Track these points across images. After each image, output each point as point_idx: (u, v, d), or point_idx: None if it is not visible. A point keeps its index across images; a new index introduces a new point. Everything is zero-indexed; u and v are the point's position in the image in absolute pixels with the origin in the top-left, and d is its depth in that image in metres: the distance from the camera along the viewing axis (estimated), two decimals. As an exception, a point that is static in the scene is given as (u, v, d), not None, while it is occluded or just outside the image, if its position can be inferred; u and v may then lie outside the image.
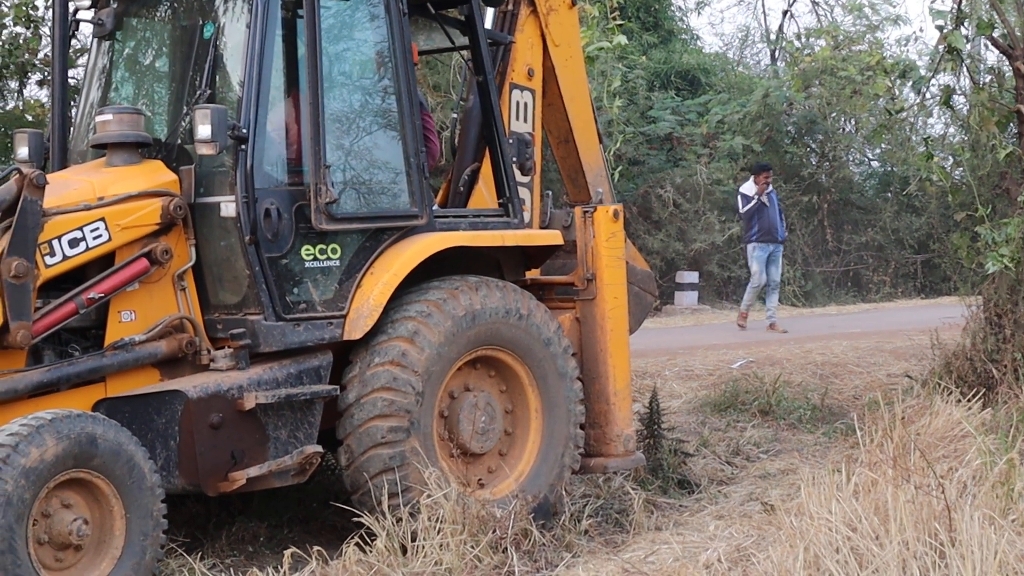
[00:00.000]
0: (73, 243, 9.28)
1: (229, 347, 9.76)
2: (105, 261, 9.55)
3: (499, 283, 10.67)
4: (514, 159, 11.21)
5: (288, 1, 10.06)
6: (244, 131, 9.51)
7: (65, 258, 9.24)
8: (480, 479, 10.56)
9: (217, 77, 10.09)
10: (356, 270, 10.17)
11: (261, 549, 10.19)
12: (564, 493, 10.72)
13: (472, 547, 9.44)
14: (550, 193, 12.21)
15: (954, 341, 14.66)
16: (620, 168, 23.57)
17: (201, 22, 10.39)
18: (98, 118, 10.08)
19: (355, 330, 10.03)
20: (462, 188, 11.51)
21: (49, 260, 9.16)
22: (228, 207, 9.65)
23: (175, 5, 10.81)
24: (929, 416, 11.46)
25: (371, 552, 9.29)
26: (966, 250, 14.39)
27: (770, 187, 23.68)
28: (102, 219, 9.43)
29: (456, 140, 12.06)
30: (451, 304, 10.19)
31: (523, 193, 11.72)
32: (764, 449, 13.78)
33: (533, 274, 11.62)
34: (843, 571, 7.76)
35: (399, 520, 9.61)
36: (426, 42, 12.11)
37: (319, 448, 9.86)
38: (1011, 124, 14.13)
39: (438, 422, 10.34)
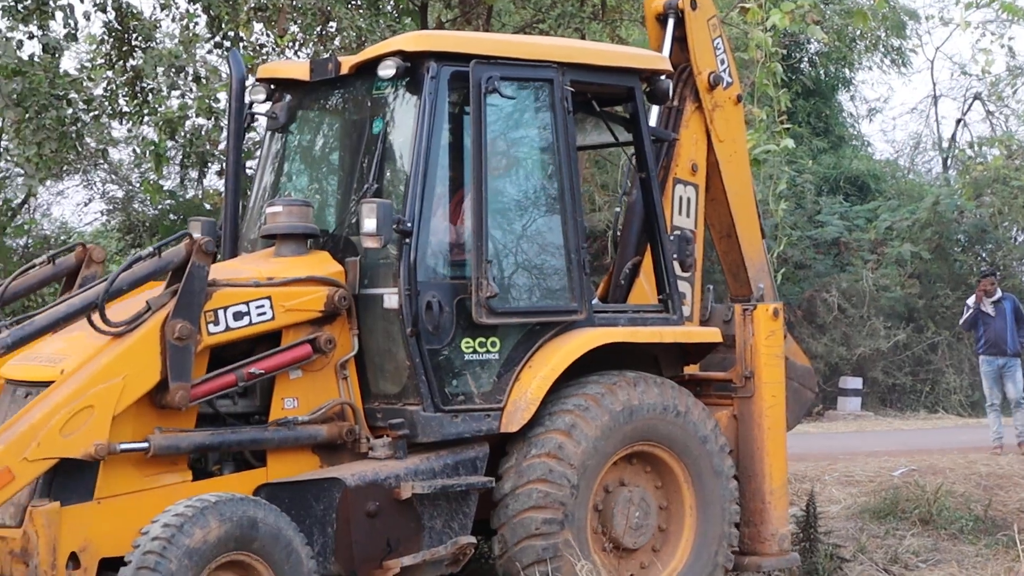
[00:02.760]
0: (238, 316, 9.40)
1: (388, 436, 9.80)
2: (267, 341, 9.68)
3: (657, 379, 10.59)
4: (675, 255, 11.14)
5: (455, 99, 10.18)
6: (408, 225, 9.58)
7: (228, 329, 9.37)
8: (632, 574, 10.47)
9: (384, 171, 10.17)
10: (515, 363, 10.16)
11: None
12: None
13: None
14: (711, 288, 12.27)
15: None
16: (784, 271, 23.50)
17: (370, 117, 10.48)
18: (268, 209, 10.24)
19: (512, 423, 10.01)
20: (623, 282, 11.48)
21: (212, 328, 9.28)
22: (391, 299, 9.72)
23: (346, 100, 10.88)
24: (1097, 529, 11.27)
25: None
26: None
27: (998, 294, 21.46)
28: (268, 297, 9.54)
29: (619, 234, 12.12)
30: (609, 399, 10.14)
31: (684, 287, 11.68)
32: (923, 559, 13.57)
33: (692, 369, 11.50)
34: None
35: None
36: (590, 138, 12.04)
37: (473, 539, 9.89)
38: None
39: (592, 515, 10.26)
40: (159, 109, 15.25)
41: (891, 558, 13.44)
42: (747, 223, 12.47)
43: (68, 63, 14.69)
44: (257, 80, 11.01)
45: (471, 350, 9.99)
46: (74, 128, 14.34)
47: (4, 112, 16.20)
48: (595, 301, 10.96)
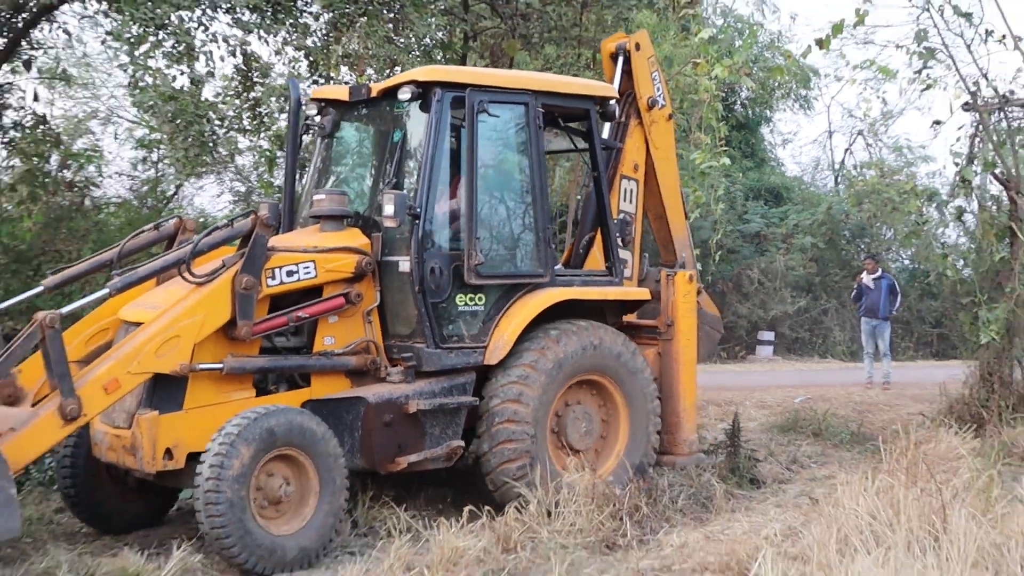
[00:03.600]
0: (290, 273, 9.47)
1: (401, 366, 9.89)
2: (311, 293, 9.68)
3: (601, 327, 10.63)
4: (617, 234, 11.20)
5: (455, 116, 10.14)
6: (418, 210, 9.62)
7: (282, 283, 9.43)
8: (580, 467, 10.32)
9: (401, 169, 10.21)
10: (496, 313, 10.19)
11: (448, 507, 10.21)
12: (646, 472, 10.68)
13: (597, 515, 9.42)
14: (647, 255, 12.23)
15: (956, 391, 14.58)
16: (720, 253, 23.62)
17: (392, 129, 10.57)
18: (314, 196, 10.29)
19: (493, 357, 10.07)
20: (581, 251, 11.45)
21: (270, 282, 9.34)
22: (404, 264, 9.76)
23: (374, 116, 10.90)
24: (935, 443, 11.35)
25: (525, 513, 9.30)
26: (969, 326, 14.43)
27: (878, 272, 21.97)
28: (313, 261, 9.60)
29: (579, 215, 12.15)
30: (563, 342, 10.20)
31: (626, 255, 11.70)
32: (814, 460, 13.54)
33: (630, 318, 11.51)
34: (864, 547, 7.79)
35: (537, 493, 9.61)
36: (557, 145, 12.01)
37: (462, 443, 9.96)
38: (1005, 237, 14.11)
39: (551, 425, 10.27)
40: (272, 127, 15.25)
41: (791, 459, 13.42)
42: (674, 209, 12.48)
43: (207, 92, 14.62)
44: (311, 99, 11.02)
45: (463, 303, 10.03)
46: (211, 139, 14.31)
47: (161, 127, 16.19)
48: (558, 267, 10.99)
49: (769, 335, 31.19)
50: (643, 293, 11.36)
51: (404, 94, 9.85)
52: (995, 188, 14.96)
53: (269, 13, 13.98)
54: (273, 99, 15.30)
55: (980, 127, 14.37)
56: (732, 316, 31.42)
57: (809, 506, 10.18)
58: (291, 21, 14.40)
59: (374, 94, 10.46)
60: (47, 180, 15.50)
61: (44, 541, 9.25)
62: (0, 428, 7.97)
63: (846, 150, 40.33)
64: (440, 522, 8.97)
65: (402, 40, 14.74)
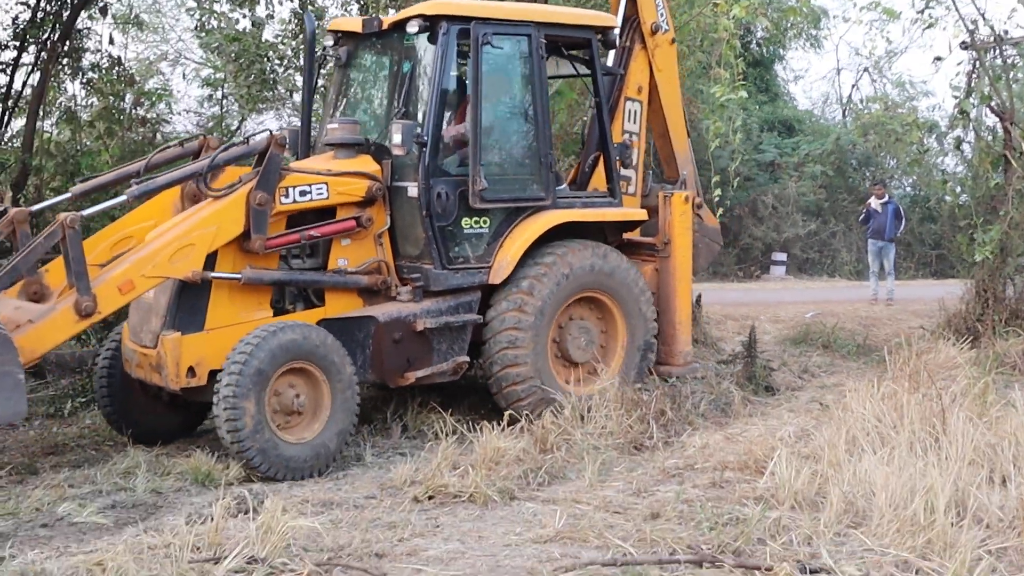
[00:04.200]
0: (303, 193, 9.16)
1: (410, 285, 9.59)
2: (324, 213, 9.38)
3: (600, 246, 10.24)
4: (617, 157, 10.81)
5: (461, 48, 9.79)
6: (425, 139, 9.28)
7: (295, 201, 9.11)
8: (579, 378, 10.18)
9: (411, 99, 9.80)
10: (500, 235, 9.82)
11: (490, 412, 10.12)
12: (643, 381, 10.38)
13: (626, 419, 9.37)
14: (651, 172, 11.96)
15: (954, 307, 14.48)
16: (737, 180, 23.59)
17: (402, 60, 10.18)
18: (328, 125, 9.98)
19: (497, 277, 9.72)
20: (587, 170, 11.07)
21: (284, 200, 9.02)
22: (413, 190, 9.44)
23: (385, 48, 10.48)
24: (934, 353, 11.31)
25: (560, 417, 9.24)
26: (966, 246, 14.33)
27: (885, 197, 21.63)
28: (325, 183, 9.27)
29: (584, 138, 11.84)
30: (564, 260, 9.87)
31: (630, 173, 11.40)
32: (824, 370, 13.38)
33: (631, 235, 11.13)
34: (871, 447, 7.85)
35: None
36: (561, 71, 11.54)
37: (467, 358, 9.65)
38: (1000, 164, 14.00)
39: (552, 338, 9.99)
40: (325, 67, 15.19)
41: (803, 369, 13.29)
42: (677, 127, 12.10)
43: (268, 33, 14.56)
44: (328, 31, 10.65)
45: (468, 226, 9.68)
46: (271, 77, 14.25)
47: (225, 66, 16.13)
48: (563, 188, 10.63)
49: (782, 256, 31.09)
50: (641, 214, 10.92)
51: (412, 27, 9.47)
52: (991, 120, 14.90)
53: None
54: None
55: (977, 64, 14.28)
56: (748, 238, 31.29)
57: (820, 411, 10.10)
58: None
59: (385, 26, 10.07)
60: (122, 117, 15.46)
61: (124, 444, 9.25)
62: (20, 320, 7.79)
63: (853, 86, 39.98)
64: (483, 425, 8.86)
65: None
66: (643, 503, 7.48)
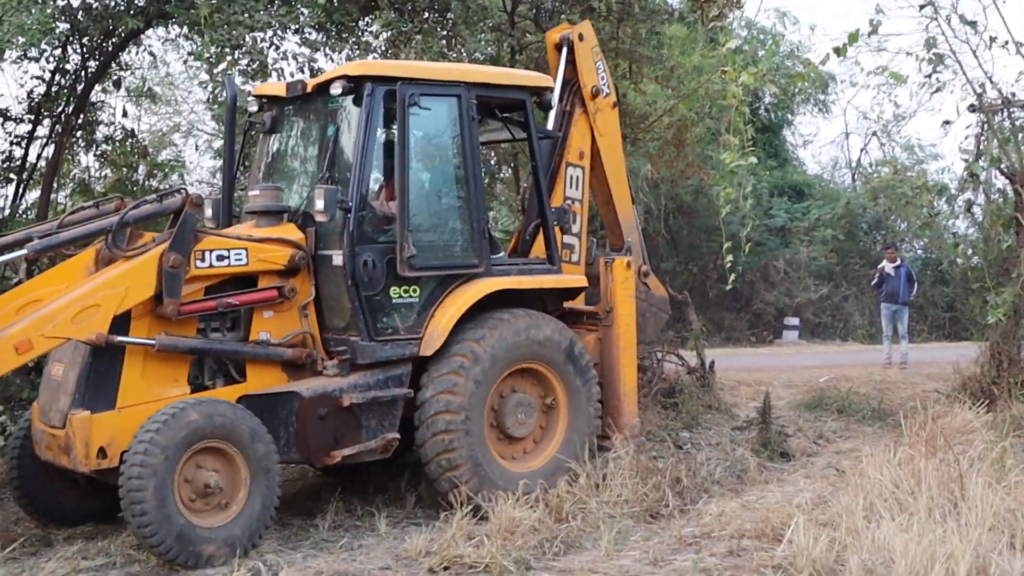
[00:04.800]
0: (220, 257, 8.63)
1: (336, 359, 9.00)
2: (243, 282, 8.83)
3: (536, 315, 9.65)
4: (556, 223, 10.25)
5: (387, 111, 9.21)
6: (349, 204, 8.74)
7: (212, 266, 8.58)
8: (515, 457, 9.63)
9: (335, 163, 9.19)
10: (431, 304, 9.23)
11: None
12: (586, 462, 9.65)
13: (642, 487, 9.24)
14: (594, 240, 11.43)
15: (969, 370, 14.34)
16: (749, 246, 23.65)
17: (327, 123, 9.57)
18: (249, 192, 9.44)
19: (428, 348, 9.11)
20: (528, 237, 10.58)
21: (200, 263, 8.50)
22: (337, 258, 8.90)
23: (311, 111, 9.93)
24: (950, 417, 11.20)
25: (575, 486, 9.18)
26: (979, 309, 14.23)
27: (898, 261, 21.41)
28: (245, 248, 8.73)
29: (524, 204, 11.48)
30: (499, 331, 9.29)
31: (573, 240, 10.90)
32: (839, 435, 13.27)
33: (572, 304, 10.56)
34: (889, 513, 7.73)
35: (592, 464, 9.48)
36: (496, 136, 11.19)
37: (397, 435, 8.98)
38: (1011, 227, 14.00)
39: (489, 414, 9.37)
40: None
41: (818, 434, 13.19)
42: (621, 194, 11.63)
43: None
44: (252, 95, 10.24)
45: (397, 295, 9.09)
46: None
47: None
48: (501, 255, 10.15)
49: (794, 320, 31.00)
50: (580, 280, 10.35)
51: (336, 88, 8.99)
52: (1001, 182, 14.83)
53: (334, 32, 13.74)
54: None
55: (986, 126, 14.19)
56: (760, 303, 31.25)
57: (836, 477, 9.98)
58: (354, 39, 14.05)
59: (309, 90, 9.59)
60: (135, 188, 15.56)
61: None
62: None
63: (862, 149, 39.71)
64: (497, 495, 8.75)
65: (454, 55, 14.65)
66: (660, 572, 7.41)
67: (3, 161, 14.36)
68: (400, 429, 9.12)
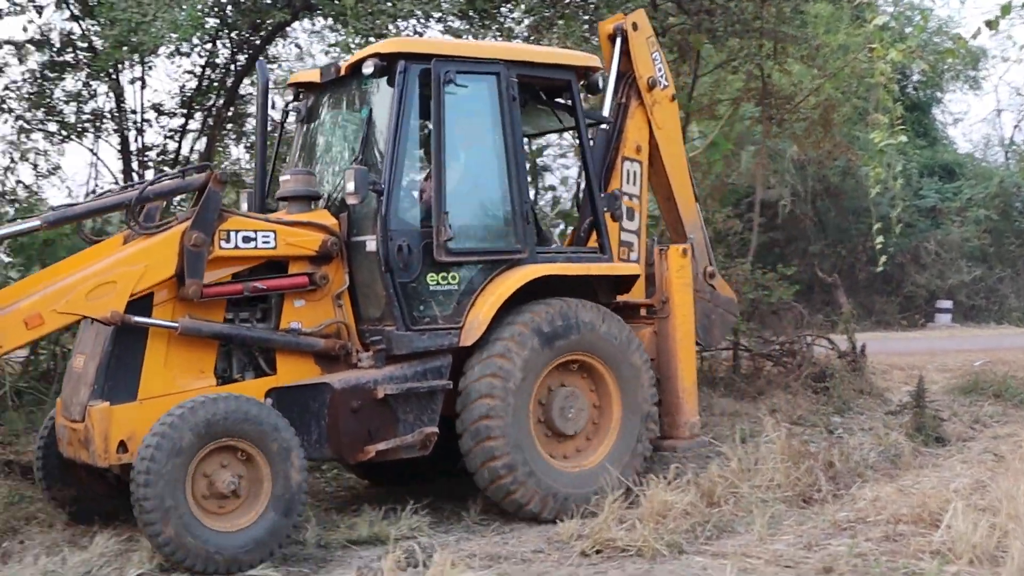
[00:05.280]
0: (246, 239, 8.11)
1: (372, 350, 8.50)
2: (272, 266, 8.37)
3: (586, 303, 9.06)
4: (605, 209, 9.65)
5: (422, 90, 8.68)
6: (381, 186, 8.25)
7: (237, 247, 8.07)
8: (566, 455, 9.06)
9: (369, 145, 8.77)
10: (472, 292, 8.69)
11: (656, 464, 9.59)
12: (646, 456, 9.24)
13: (794, 471, 9.08)
14: (655, 238, 10.99)
15: None
16: (899, 227, 23.31)
17: (360, 105, 9.12)
18: (281, 178, 9.00)
19: (468, 338, 8.56)
20: (583, 235, 9.93)
21: (224, 244, 7.99)
22: (371, 244, 8.38)
23: (345, 94, 9.45)
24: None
25: (727, 469, 9.08)
26: None
27: None
28: (273, 231, 8.24)
29: (579, 199, 11.02)
30: (545, 319, 8.74)
31: (631, 238, 10.23)
32: (996, 419, 12.92)
33: (625, 297, 9.94)
34: (1051, 498, 7.50)
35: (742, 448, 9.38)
36: (548, 125, 10.71)
37: (435, 429, 8.45)
38: None
39: (536, 408, 8.81)
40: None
41: (974, 419, 12.88)
42: (682, 190, 10.92)
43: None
44: (287, 85, 9.96)
45: (435, 282, 8.58)
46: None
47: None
48: (554, 246, 9.73)
49: (947, 303, 30.45)
50: (632, 268, 9.74)
51: (368, 68, 8.55)
52: None
53: (476, 20, 13.65)
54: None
55: None
56: (911, 286, 30.73)
57: (995, 462, 9.63)
58: (496, 26, 13.93)
59: (344, 72, 9.12)
60: (279, 178, 15.92)
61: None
62: None
63: (1015, 126, 38.95)
64: (649, 478, 8.66)
65: (597, 39, 14.69)
66: (815, 557, 7.27)
67: (158, 155, 14.59)
68: None
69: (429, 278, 8.58)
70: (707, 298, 10.69)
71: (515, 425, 8.52)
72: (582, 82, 9.70)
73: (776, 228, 28.77)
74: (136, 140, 14.33)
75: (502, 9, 14.35)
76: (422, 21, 13.29)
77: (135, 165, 14.18)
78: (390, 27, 12.09)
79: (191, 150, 14.94)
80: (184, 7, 11.18)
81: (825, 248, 30.38)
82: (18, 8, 13.24)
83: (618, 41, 10.45)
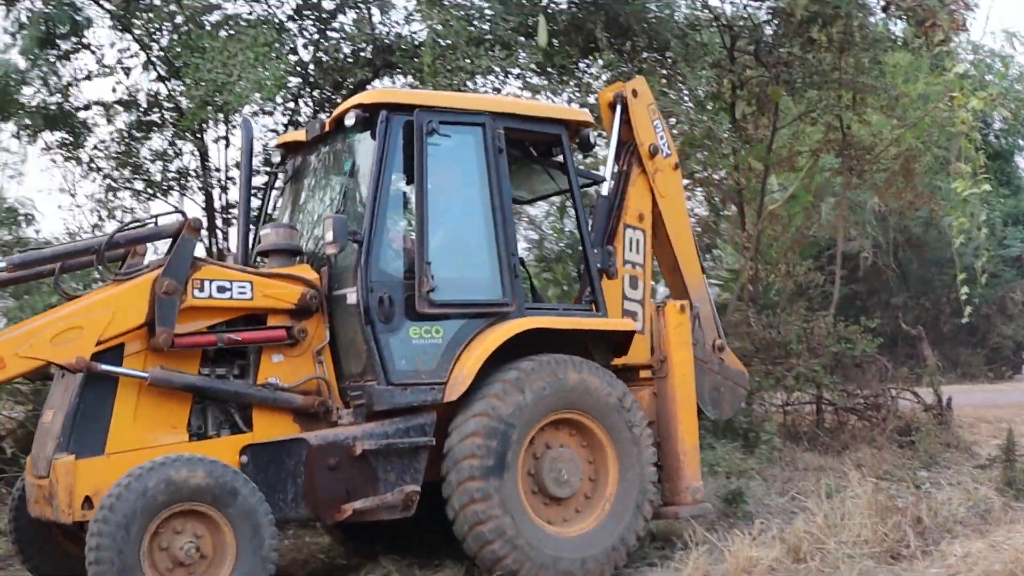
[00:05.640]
0: (221, 289, 7.93)
1: (353, 405, 8.25)
2: (249, 320, 8.15)
3: (578, 359, 8.72)
4: (599, 265, 9.42)
5: (405, 141, 8.49)
6: (360, 236, 8.04)
7: (211, 297, 7.89)
8: (564, 519, 8.68)
9: (351, 197, 8.71)
10: (457, 346, 8.39)
11: (739, 520, 9.79)
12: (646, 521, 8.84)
13: (881, 526, 8.87)
14: (660, 307, 10.21)
15: None
16: (984, 277, 23.04)
17: (344, 158, 9.00)
18: (262, 231, 8.84)
19: (453, 393, 8.21)
20: (587, 297, 9.52)
21: (198, 293, 7.82)
22: (352, 296, 8.11)
23: (329, 149, 9.31)
24: None
25: (812, 524, 8.87)
26: None
27: None
28: (250, 282, 8.04)
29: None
30: (533, 375, 8.42)
31: (635, 307, 9.96)
32: (1091, 473, 12.91)
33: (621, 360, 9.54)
34: None
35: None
36: (543, 189, 10.51)
37: (417, 488, 8.13)
38: None
39: (525, 469, 8.49)
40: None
41: (1067, 472, 12.79)
42: (688, 261, 10.58)
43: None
44: (276, 147, 9.91)
45: (418, 336, 8.29)
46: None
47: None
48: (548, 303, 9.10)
49: (1035, 354, 30.15)
50: (626, 324, 9.34)
51: (350, 119, 8.39)
52: None
53: (555, 75, 13.72)
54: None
55: None
56: (997, 337, 30.30)
57: (1093, 516, 9.60)
58: (574, 81, 13.99)
59: (328, 127, 9.02)
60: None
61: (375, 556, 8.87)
62: None
63: (1102, 179, 38.61)
64: (734, 533, 8.47)
65: (674, 93, 14.74)
66: (906, 614, 7.23)
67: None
68: None
69: (411, 331, 8.30)
70: (716, 370, 10.32)
71: (502, 487, 8.16)
72: (575, 139, 9.54)
73: (858, 280, 28.50)
74: (220, 198, 14.47)
75: (580, 64, 14.43)
76: (500, 77, 13.40)
77: (219, 222, 14.36)
78: (468, 84, 12.21)
79: (274, 207, 15.14)
80: (268, 67, 11.34)
81: (908, 300, 30.03)
82: (107, 70, 13.67)
83: (618, 109, 10.24)
